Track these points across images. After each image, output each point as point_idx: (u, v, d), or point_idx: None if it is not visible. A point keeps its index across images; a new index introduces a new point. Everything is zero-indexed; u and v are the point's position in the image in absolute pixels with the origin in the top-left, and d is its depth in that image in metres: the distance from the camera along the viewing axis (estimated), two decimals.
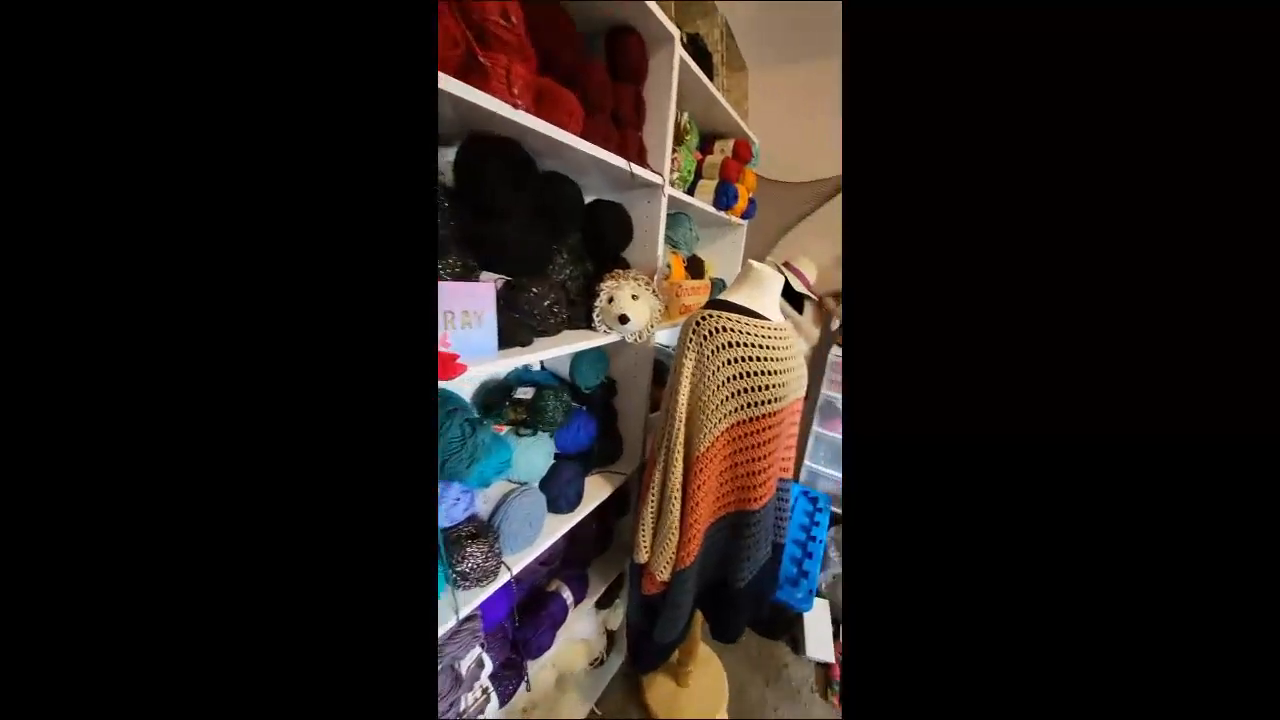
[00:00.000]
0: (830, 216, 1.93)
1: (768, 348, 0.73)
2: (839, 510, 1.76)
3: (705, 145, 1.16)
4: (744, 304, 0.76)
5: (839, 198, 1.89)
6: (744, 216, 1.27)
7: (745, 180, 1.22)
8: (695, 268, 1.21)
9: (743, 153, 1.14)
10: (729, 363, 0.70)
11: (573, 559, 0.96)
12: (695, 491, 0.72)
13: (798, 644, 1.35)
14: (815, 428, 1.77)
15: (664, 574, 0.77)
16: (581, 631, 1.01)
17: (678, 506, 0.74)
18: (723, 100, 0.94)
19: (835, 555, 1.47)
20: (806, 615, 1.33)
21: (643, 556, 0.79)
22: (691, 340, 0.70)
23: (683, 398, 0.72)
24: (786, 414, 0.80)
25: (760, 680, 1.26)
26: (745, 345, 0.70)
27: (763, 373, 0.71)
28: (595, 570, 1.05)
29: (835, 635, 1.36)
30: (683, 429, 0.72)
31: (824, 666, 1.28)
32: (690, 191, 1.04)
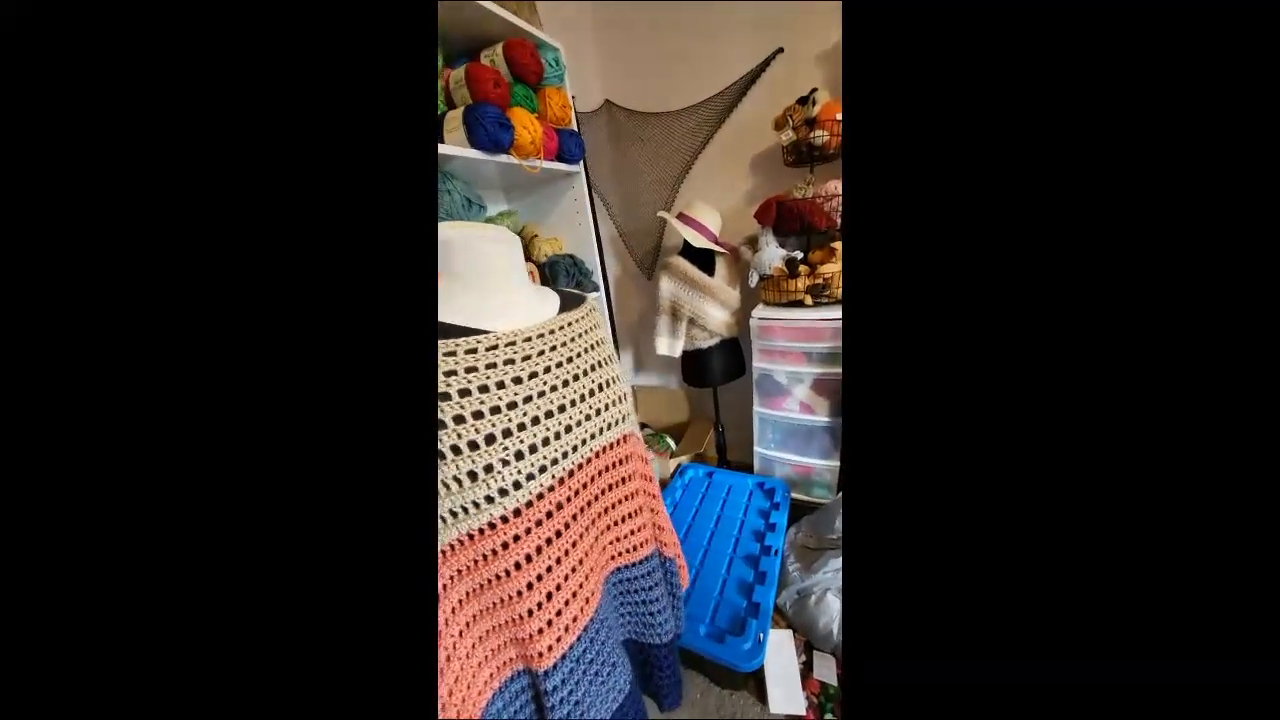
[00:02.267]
0: (728, 146, 1.54)
1: (485, 389, 0.38)
2: (803, 496, 1.47)
3: (469, 57, 0.76)
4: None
5: (734, 120, 1.49)
6: (561, 159, 0.88)
7: (545, 105, 0.83)
8: None
9: (522, 58, 0.75)
10: None
11: None
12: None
13: (765, 692, 1.08)
14: (756, 408, 1.46)
15: None
16: None
17: None
18: None
19: (796, 568, 1.18)
20: (768, 656, 1.04)
21: None
22: None
23: None
24: (580, 481, 0.46)
25: None
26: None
27: (483, 442, 0.36)
28: None
29: (806, 672, 1.08)
30: None
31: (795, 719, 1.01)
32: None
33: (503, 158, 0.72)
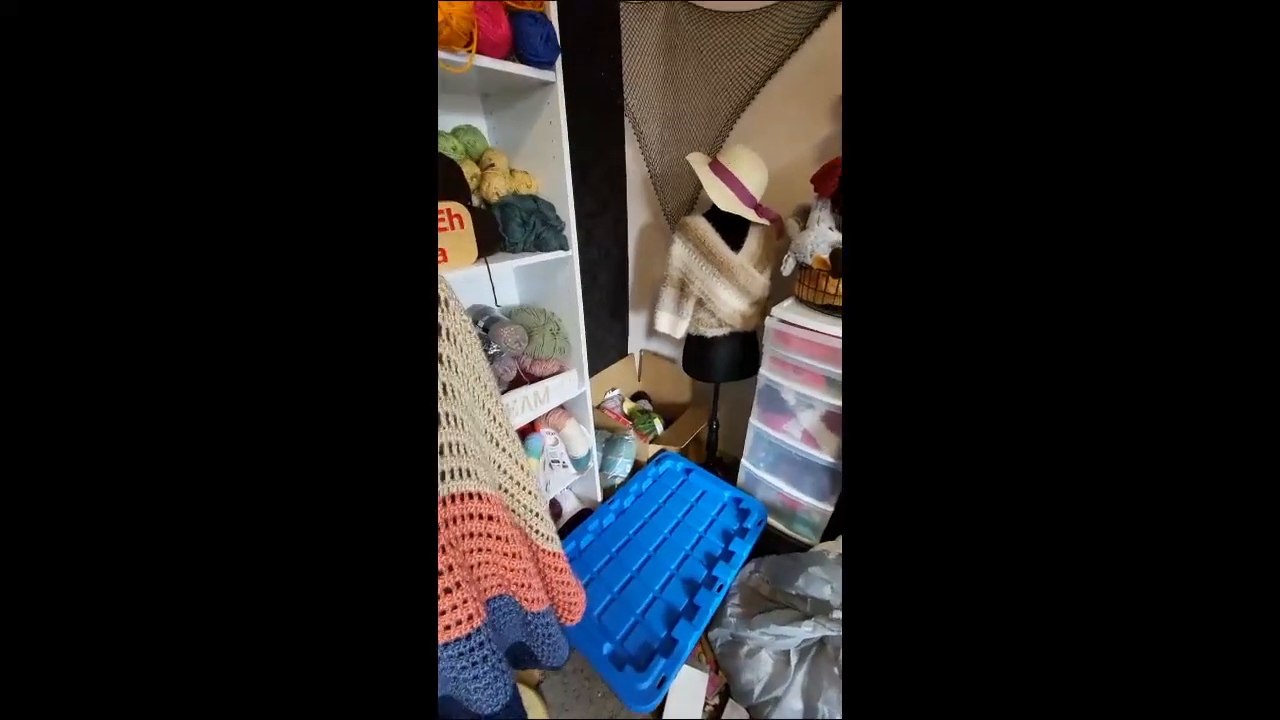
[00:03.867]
0: (807, 72, 1.12)
1: None
2: (782, 527, 1.28)
3: None
4: None
5: (821, 37, 1.06)
6: (521, 57, 0.63)
7: None
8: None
9: None
10: None
11: None
12: None
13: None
14: (753, 420, 1.23)
15: None
16: None
17: None
18: None
19: (736, 612, 1.04)
20: (674, 693, 0.95)
21: None
22: None
23: None
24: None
25: None
26: None
27: None
28: None
29: (715, 715, 0.98)
30: None
31: None
32: None
33: None
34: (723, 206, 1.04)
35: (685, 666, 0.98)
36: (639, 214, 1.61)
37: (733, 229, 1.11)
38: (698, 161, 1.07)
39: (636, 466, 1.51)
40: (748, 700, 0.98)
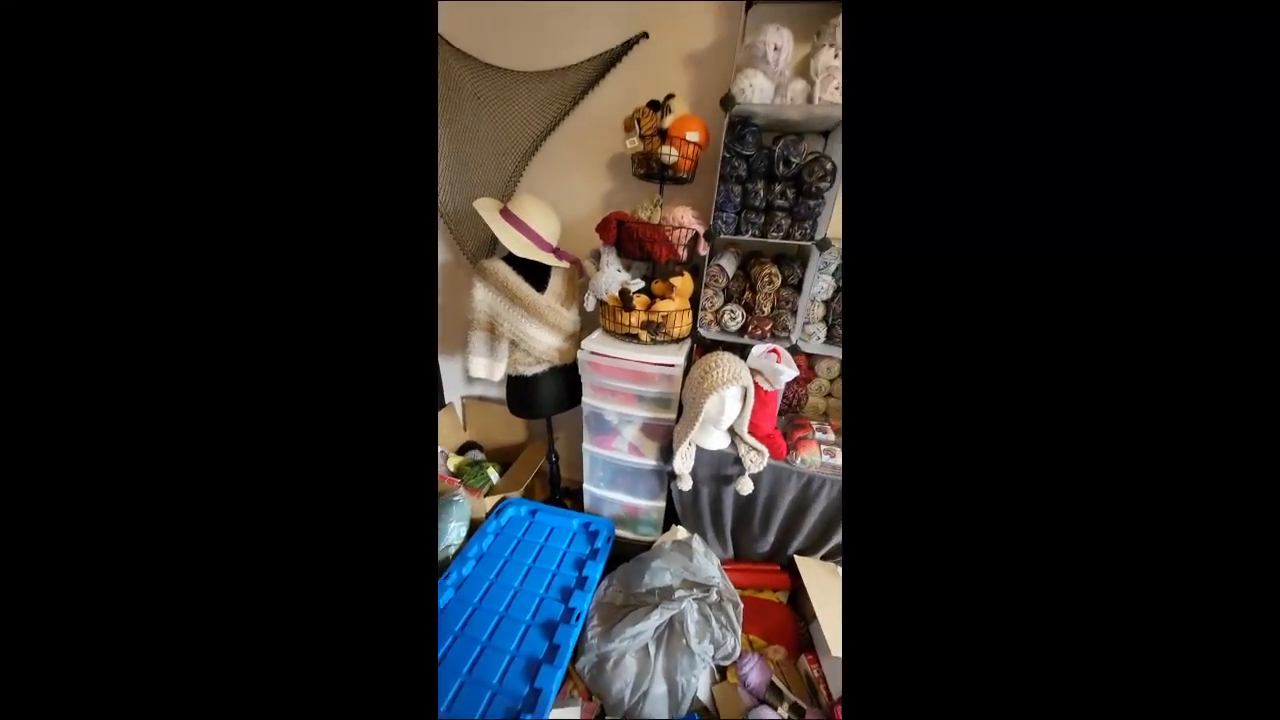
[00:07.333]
0: (584, 135, 1.31)
1: None
2: (629, 534, 1.39)
3: None
4: None
5: (592, 109, 1.26)
6: None
7: None
8: None
9: None
10: None
11: None
12: None
13: None
14: (585, 445, 1.31)
15: None
16: None
17: None
18: None
19: (595, 633, 1.08)
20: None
21: None
22: None
23: None
24: None
25: None
26: None
27: None
28: None
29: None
30: None
31: None
32: None
33: None
34: (518, 253, 1.09)
35: (554, 712, 0.95)
36: (438, 249, 1.50)
37: (535, 270, 1.17)
38: (487, 209, 1.09)
39: (475, 525, 1.38)
40: (620, 710, 1.03)
